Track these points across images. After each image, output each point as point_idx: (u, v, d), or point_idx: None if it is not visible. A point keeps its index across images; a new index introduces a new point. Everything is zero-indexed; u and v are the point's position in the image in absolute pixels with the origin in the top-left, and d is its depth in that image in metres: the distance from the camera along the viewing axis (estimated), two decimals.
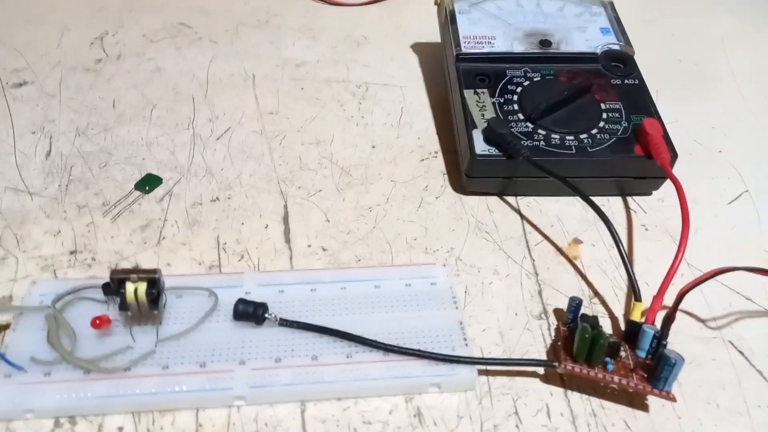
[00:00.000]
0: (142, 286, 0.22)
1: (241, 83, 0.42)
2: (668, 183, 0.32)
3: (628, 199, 0.35)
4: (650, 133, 0.32)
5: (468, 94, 0.35)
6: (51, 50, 0.43)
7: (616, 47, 0.37)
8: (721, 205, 0.35)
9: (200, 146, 0.36)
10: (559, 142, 0.32)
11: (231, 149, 0.36)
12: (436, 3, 0.42)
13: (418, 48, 0.46)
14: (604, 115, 0.34)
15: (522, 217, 0.33)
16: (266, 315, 0.25)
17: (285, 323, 0.25)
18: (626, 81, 0.35)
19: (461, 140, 0.34)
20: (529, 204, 0.34)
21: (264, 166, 0.35)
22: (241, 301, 0.25)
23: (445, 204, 0.34)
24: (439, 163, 0.36)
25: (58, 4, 0.48)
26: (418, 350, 0.24)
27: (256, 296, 0.25)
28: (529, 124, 0.33)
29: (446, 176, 0.35)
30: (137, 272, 0.22)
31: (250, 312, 0.25)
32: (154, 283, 0.22)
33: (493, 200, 0.34)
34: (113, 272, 0.22)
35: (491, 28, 0.38)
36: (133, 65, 0.42)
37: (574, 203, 0.34)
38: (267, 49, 0.45)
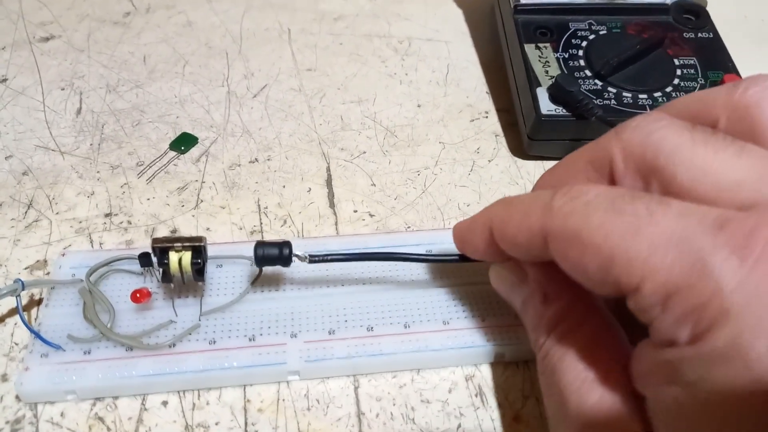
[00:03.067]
0: (187, 256, 0.20)
1: (276, 38, 0.39)
2: None
3: None
4: None
5: (529, 48, 0.32)
6: (78, 2, 0.41)
7: None
8: None
9: (236, 104, 0.34)
10: (631, 101, 0.30)
11: (268, 107, 0.34)
12: None
13: (464, 1, 0.43)
14: (679, 72, 0.31)
15: None
16: (295, 254, 0.22)
17: (315, 259, 0.22)
18: (700, 34, 0.32)
19: (523, 100, 0.31)
20: None
21: (304, 126, 0.33)
22: (260, 244, 0.22)
23: (498, 168, 0.31)
24: (491, 124, 0.34)
25: None
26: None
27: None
28: (597, 81, 0.30)
29: (499, 138, 0.33)
30: (181, 240, 0.20)
31: (275, 255, 0.22)
32: (200, 252, 0.20)
33: (551, 164, 0.32)
34: (155, 240, 0.20)
35: None
36: (163, 18, 0.40)
37: None
38: (302, 1, 0.43)
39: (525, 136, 0.31)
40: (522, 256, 0.18)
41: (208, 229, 0.27)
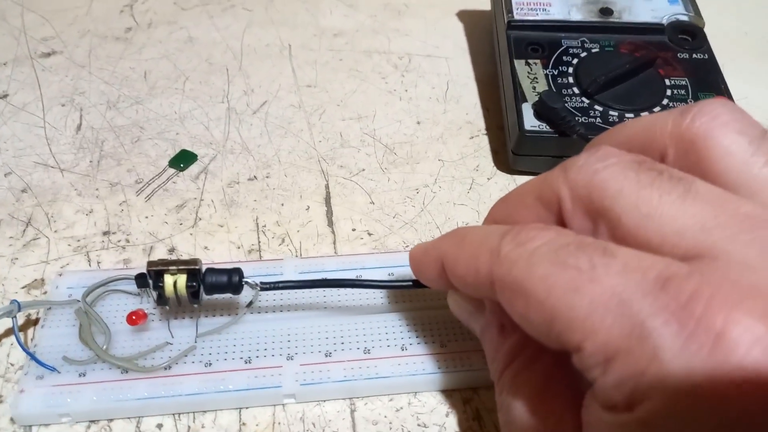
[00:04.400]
0: (182, 279, 0.20)
1: (277, 54, 0.39)
2: None
3: None
4: None
5: (519, 64, 0.32)
6: (80, 17, 0.42)
7: (685, 18, 0.34)
8: None
9: (236, 121, 0.34)
10: (617, 120, 0.30)
11: (268, 124, 0.34)
12: None
13: (464, 16, 0.43)
14: (669, 92, 0.31)
15: None
16: (244, 281, 0.21)
17: (266, 286, 0.21)
18: (694, 55, 0.32)
19: (509, 115, 0.31)
20: None
21: (303, 143, 0.33)
22: (209, 271, 0.21)
23: (497, 186, 0.31)
24: (491, 141, 0.34)
25: None
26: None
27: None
28: (584, 98, 0.30)
29: (498, 156, 0.33)
30: (176, 263, 0.20)
31: (224, 282, 0.21)
32: (195, 274, 0.20)
33: None
34: (150, 264, 0.20)
35: None
36: (165, 34, 0.40)
37: None
38: (303, 17, 0.43)
39: (510, 151, 0.31)
40: (473, 294, 0.18)
41: (206, 248, 0.27)
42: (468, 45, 0.41)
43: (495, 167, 0.32)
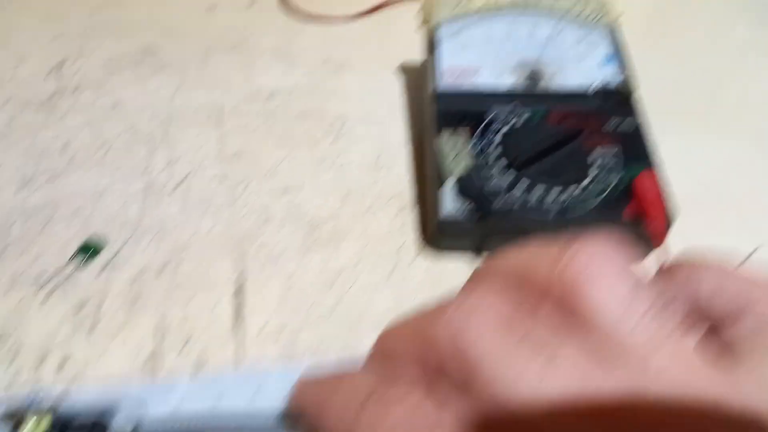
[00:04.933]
0: (43, 425, 0.18)
1: (205, 119, 0.38)
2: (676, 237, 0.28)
3: None
4: (643, 195, 0.28)
5: (443, 137, 0.31)
6: (4, 83, 0.40)
7: (615, 82, 0.33)
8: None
9: (155, 197, 0.33)
10: (541, 198, 0.29)
11: (188, 200, 0.33)
12: (424, 21, 0.38)
13: (405, 71, 0.42)
14: (595, 167, 0.30)
15: None
16: None
17: None
18: (624, 123, 0.32)
19: (431, 192, 0.30)
20: None
21: (223, 221, 0.32)
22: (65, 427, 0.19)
23: (421, 268, 0.30)
24: (417, 215, 0.33)
25: (16, 24, 0.44)
26: None
27: (189, 406, 0.22)
28: (510, 174, 0.29)
29: (424, 230, 0.32)
30: (34, 412, 0.18)
31: None
32: (56, 423, 0.19)
33: (475, 261, 0.31)
34: (6, 416, 0.18)
35: (479, 57, 0.34)
36: (91, 100, 0.39)
37: None
38: (237, 77, 0.42)
39: (434, 229, 0.30)
40: None
41: (101, 356, 0.26)
42: (406, 103, 0.40)
43: (422, 243, 0.31)
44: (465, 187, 0.29)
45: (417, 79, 0.42)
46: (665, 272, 0.16)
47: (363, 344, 0.27)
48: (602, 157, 0.30)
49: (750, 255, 0.31)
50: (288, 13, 0.47)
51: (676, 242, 0.28)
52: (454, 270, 0.30)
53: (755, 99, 0.40)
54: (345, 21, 0.47)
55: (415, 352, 0.16)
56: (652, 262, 0.28)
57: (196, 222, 0.32)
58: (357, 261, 0.30)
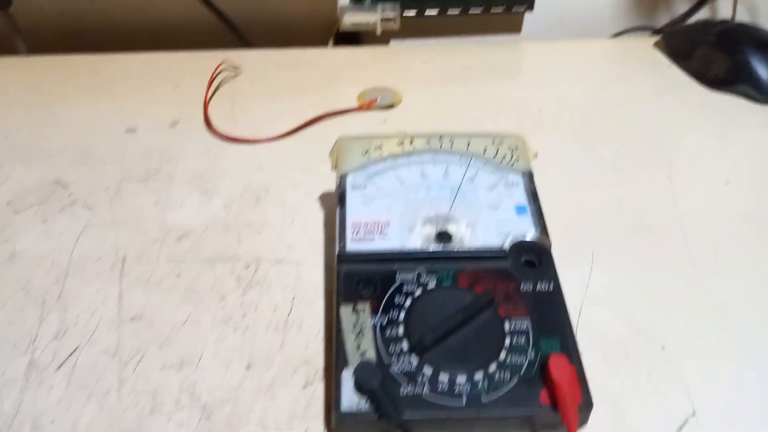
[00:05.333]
0: None
1: (107, 271, 0.35)
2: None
3: None
4: (557, 380, 0.25)
5: (345, 312, 0.28)
6: None
7: (530, 238, 0.30)
8: None
9: (35, 382, 0.30)
10: (447, 388, 0.26)
11: (72, 383, 0.30)
12: (333, 167, 0.36)
13: (326, 199, 0.40)
14: (508, 341, 0.27)
15: None
16: None
17: None
18: (539, 286, 0.29)
19: (333, 377, 0.27)
20: None
21: (106, 412, 0.29)
22: None
23: None
24: (326, 389, 0.30)
25: None
26: None
27: None
28: (413, 358, 0.27)
29: (329, 414, 0.29)
30: None
31: None
32: None
33: None
34: None
35: (387, 210, 0.32)
36: None
37: None
38: (150, 213, 0.39)
39: (335, 421, 0.27)
40: None
41: None
42: (324, 240, 0.37)
43: (325, 430, 0.28)
44: (363, 382, 0.26)
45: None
46: None
47: None
48: (516, 331, 0.28)
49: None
50: (212, 134, 0.45)
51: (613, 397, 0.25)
52: None
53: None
54: (270, 141, 0.45)
55: None
56: None
57: (76, 413, 0.29)
58: None
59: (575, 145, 0.45)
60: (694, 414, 0.29)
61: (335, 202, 0.33)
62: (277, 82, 0.51)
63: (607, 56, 0.56)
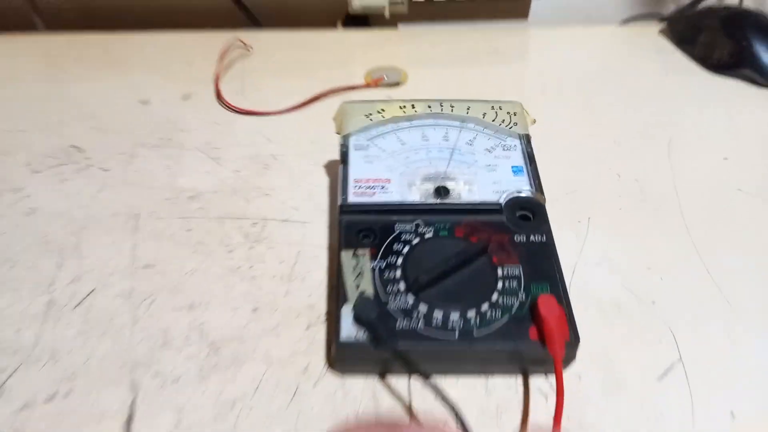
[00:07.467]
0: None
1: (121, 226, 0.37)
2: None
3: (532, 378, 0.29)
4: (544, 315, 0.27)
5: (346, 256, 0.30)
6: None
7: (525, 194, 0.32)
8: (650, 382, 0.29)
9: (53, 319, 0.32)
10: (441, 323, 0.27)
11: (88, 321, 0.32)
12: (338, 130, 0.38)
13: (332, 167, 0.42)
14: (500, 285, 0.29)
15: (410, 409, 0.28)
16: None
17: None
18: (531, 237, 0.31)
19: (334, 312, 0.29)
20: (424, 387, 0.29)
21: (120, 345, 0.30)
22: None
23: (323, 393, 0.29)
24: (328, 332, 0.31)
25: None
26: None
27: None
28: (409, 297, 0.28)
29: (330, 350, 0.30)
30: None
31: None
32: None
33: (381, 384, 0.29)
34: None
35: (388, 169, 0.34)
36: (6, 206, 0.38)
37: (475, 386, 0.29)
38: (161, 176, 0.41)
39: (334, 352, 0.28)
40: None
41: None
42: (329, 204, 0.39)
43: (326, 365, 0.30)
44: (361, 314, 0.27)
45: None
46: None
47: None
48: (508, 276, 0.29)
49: None
50: (223, 107, 0.47)
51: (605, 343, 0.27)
52: (359, 393, 0.29)
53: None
54: (279, 114, 0.46)
55: None
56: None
57: (92, 347, 0.30)
58: (255, 388, 0.29)
59: (577, 119, 0.46)
60: (680, 359, 0.30)
61: (340, 160, 0.35)
62: (287, 61, 0.53)
63: (612, 41, 0.58)
